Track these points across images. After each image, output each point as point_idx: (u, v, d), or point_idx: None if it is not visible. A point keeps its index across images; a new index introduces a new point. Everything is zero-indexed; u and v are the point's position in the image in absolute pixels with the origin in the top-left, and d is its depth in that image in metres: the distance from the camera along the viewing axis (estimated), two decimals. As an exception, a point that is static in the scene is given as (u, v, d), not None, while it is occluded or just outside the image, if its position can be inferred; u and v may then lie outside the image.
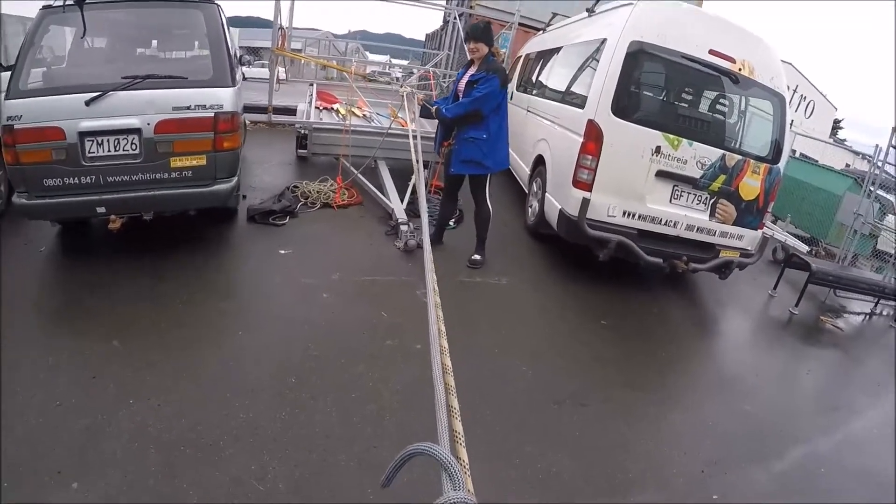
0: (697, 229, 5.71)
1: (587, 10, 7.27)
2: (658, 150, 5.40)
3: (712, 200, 5.69)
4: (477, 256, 5.90)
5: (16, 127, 4.43)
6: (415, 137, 5.49)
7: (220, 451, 3.31)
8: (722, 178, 5.59)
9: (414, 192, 7.19)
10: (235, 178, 5.32)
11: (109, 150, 4.69)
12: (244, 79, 12.08)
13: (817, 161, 11.64)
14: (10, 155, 4.51)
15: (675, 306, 6.06)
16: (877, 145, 8.65)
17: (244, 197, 6.81)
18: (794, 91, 13.88)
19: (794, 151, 11.63)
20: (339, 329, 4.54)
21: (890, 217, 9.45)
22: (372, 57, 15.01)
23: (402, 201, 6.81)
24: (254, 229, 6.18)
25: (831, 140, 14.34)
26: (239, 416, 3.56)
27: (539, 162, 6.84)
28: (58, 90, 4.65)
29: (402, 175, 7.69)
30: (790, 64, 13.42)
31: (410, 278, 5.45)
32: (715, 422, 4.23)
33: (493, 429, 3.71)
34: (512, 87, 9.82)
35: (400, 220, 6.24)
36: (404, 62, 14.00)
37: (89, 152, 4.63)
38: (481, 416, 3.76)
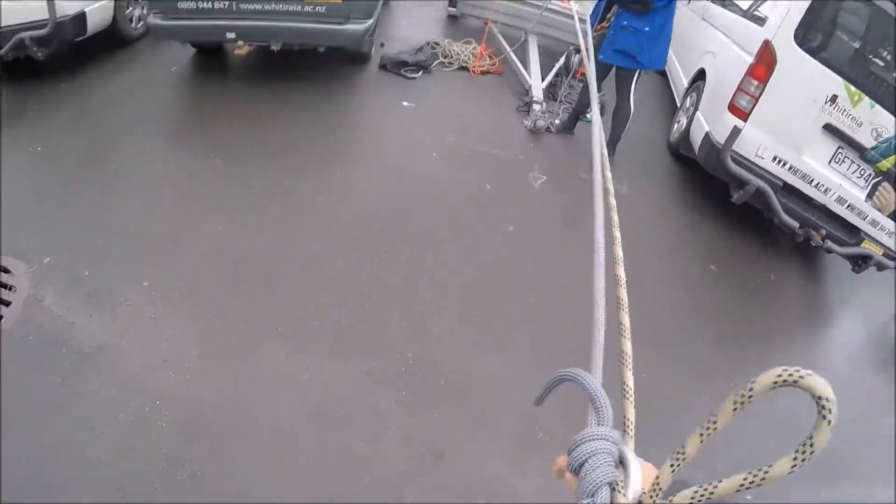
0: (848, 206, 5.02)
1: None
2: (834, 99, 4.71)
3: (875, 180, 4.94)
4: None
5: None
6: (582, 21, 5.08)
7: (282, 279, 3.43)
8: (895, 158, 4.83)
9: (558, 73, 6.81)
10: (370, 21, 5.20)
11: None
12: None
13: None
14: None
15: (794, 281, 5.47)
16: None
17: (382, 45, 6.69)
18: None
19: None
20: (436, 189, 4.47)
21: None
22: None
23: (543, 81, 6.40)
24: (383, 77, 6.07)
25: None
26: (311, 250, 3.66)
27: (700, 76, 6.21)
28: None
29: (551, 55, 7.25)
30: None
31: (526, 159, 5.22)
32: (793, 418, 3.79)
33: (544, 350, 3.47)
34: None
35: (535, 98, 5.90)
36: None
37: None
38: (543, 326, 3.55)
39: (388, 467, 2.72)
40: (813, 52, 4.73)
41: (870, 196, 4.99)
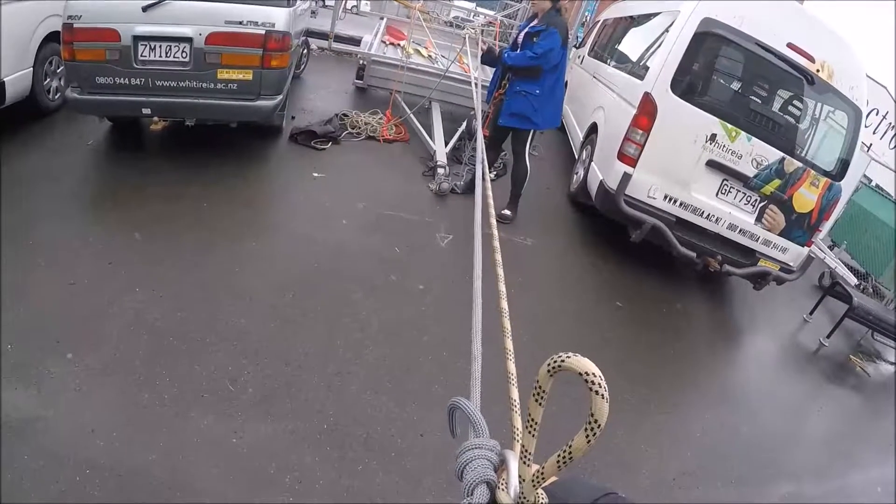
0: (740, 231, 5.40)
1: (668, -21, 7.01)
2: (713, 137, 5.11)
3: (762, 204, 5.36)
4: (507, 212, 5.77)
5: (75, 26, 4.62)
6: (476, 85, 5.39)
7: (204, 348, 3.42)
8: (777, 182, 5.25)
9: (461, 137, 7.12)
10: (280, 97, 5.39)
11: (160, 56, 4.84)
12: (323, 5, 12.07)
13: (892, 196, 11.03)
14: (67, 51, 4.71)
15: (700, 306, 5.81)
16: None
17: (293, 118, 6.86)
18: (884, 117, 13.12)
19: (869, 180, 11.02)
20: (348, 255, 4.57)
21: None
22: (458, 2, 14.90)
23: (446, 145, 6.72)
24: (294, 149, 6.21)
25: (914, 177, 13.50)
26: (230, 320, 3.67)
27: (593, 130, 6.58)
28: None
29: (453, 120, 7.65)
30: (885, 88, 12.64)
31: (433, 220, 5.41)
32: (704, 433, 4.06)
33: (463, 391, 3.62)
34: (584, 51, 9.55)
35: (439, 163, 6.17)
36: (490, 12, 13.84)
37: (141, 56, 4.80)
38: (457, 377, 3.69)
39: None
40: (689, 98, 5.13)
41: (759, 219, 5.41)
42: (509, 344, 1.40)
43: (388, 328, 3.90)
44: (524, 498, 0.72)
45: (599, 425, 0.63)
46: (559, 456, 0.69)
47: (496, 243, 2.09)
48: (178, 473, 2.75)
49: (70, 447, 2.75)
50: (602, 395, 0.62)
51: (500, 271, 1.90)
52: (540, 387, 0.70)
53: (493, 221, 2.38)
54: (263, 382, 3.29)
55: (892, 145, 14.19)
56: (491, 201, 2.62)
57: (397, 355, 3.70)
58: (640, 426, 3.87)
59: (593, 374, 0.62)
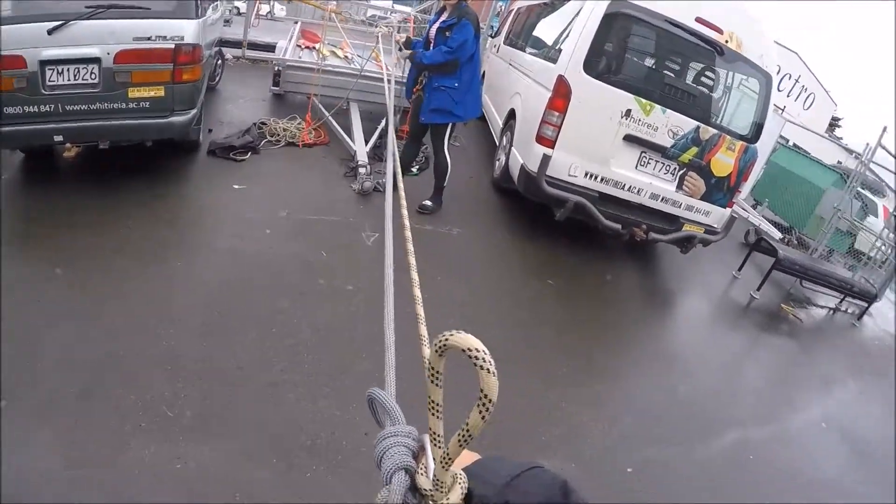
0: (662, 199, 5.55)
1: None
2: (628, 113, 5.23)
3: (681, 172, 5.52)
4: (427, 202, 5.79)
5: None
6: (389, 81, 5.36)
7: (137, 376, 3.31)
8: (693, 150, 5.41)
9: (381, 135, 7.09)
10: (194, 111, 5.25)
11: (69, 79, 4.63)
12: (237, 13, 11.82)
13: (809, 153, 11.52)
14: None
15: (631, 275, 5.98)
16: (867, 143, 8.51)
17: (210, 130, 6.68)
18: (797, 81, 13.64)
19: (786, 140, 11.46)
20: (273, 265, 4.50)
21: (871, 218, 9.42)
22: (374, 1, 14.82)
23: (367, 144, 6.67)
24: (213, 163, 6.05)
25: (826, 135, 14.17)
26: (161, 344, 3.57)
27: (511, 116, 6.64)
28: (21, 19, 4.54)
29: (373, 118, 7.61)
30: (795, 53, 13.18)
31: (357, 220, 5.37)
32: (644, 397, 4.16)
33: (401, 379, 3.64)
34: (500, 40, 9.62)
35: (360, 163, 6.09)
36: (408, 9, 13.85)
37: (49, 81, 4.57)
38: (382, 370, 3.70)
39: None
40: (602, 77, 5.25)
41: (679, 186, 5.58)
42: (423, 330, 1.40)
43: (320, 332, 3.87)
44: (438, 480, 0.72)
45: (491, 401, 0.63)
46: (459, 435, 0.69)
47: (408, 233, 2.07)
48: (127, 508, 2.67)
49: (13, 497, 2.63)
50: (488, 369, 0.61)
51: (413, 259, 1.88)
52: (433, 368, 0.70)
53: (405, 212, 2.36)
54: (201, 403, 3.21)
55: (806, 106, 14.87)
56: (402, 193, 2.61)
57: (332, 357, 3.67)
58: (580, 397, 3.94)
59: (476, 349, 0.62)
